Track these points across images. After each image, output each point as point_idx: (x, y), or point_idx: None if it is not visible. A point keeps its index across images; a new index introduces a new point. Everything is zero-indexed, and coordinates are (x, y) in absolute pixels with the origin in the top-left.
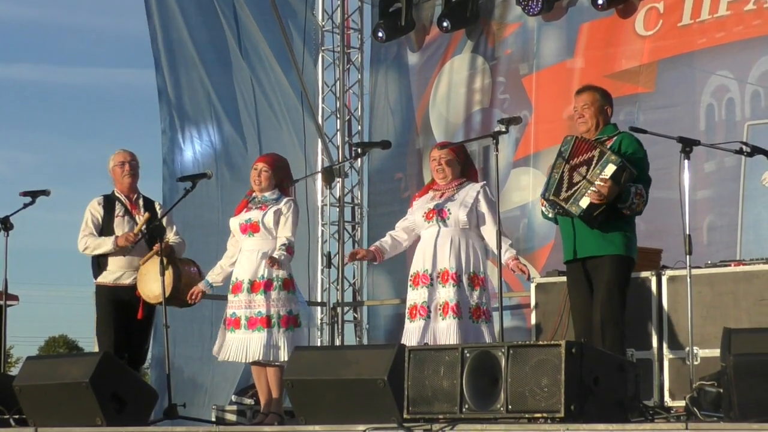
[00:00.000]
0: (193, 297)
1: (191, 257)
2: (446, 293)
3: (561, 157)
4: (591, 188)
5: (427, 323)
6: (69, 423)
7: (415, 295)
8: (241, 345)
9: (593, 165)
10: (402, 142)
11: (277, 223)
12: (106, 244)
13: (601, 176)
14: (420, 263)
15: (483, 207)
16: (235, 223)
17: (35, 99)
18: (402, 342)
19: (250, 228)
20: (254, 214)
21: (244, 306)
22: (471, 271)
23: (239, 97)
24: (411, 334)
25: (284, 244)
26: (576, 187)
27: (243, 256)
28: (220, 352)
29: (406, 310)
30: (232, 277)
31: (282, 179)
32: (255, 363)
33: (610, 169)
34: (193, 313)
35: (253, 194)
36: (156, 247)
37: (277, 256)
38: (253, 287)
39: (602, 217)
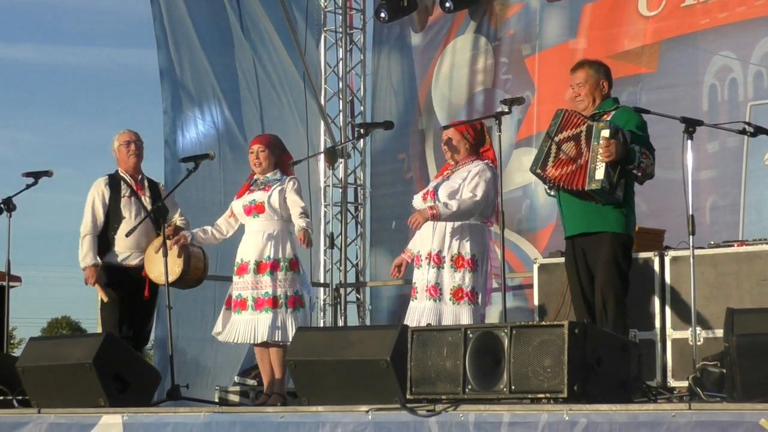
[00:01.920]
0: (177, 243)
1: None
2: (428, 274)
3: (549, 131)
4: (597, 160)
5: (416, 303)
6: (72, 404)
7: (414, 275)
8: (249, 326)
9: (583, 140)
10: (404, 122)
11: (283, 202)
12: (85, 260)
13: (600, 144)
14: (419, 244)
15: (465, 182)
16: (238, 205)
17: (37, 79)
18: (405, 321)
19: (255, 209)
20: (258, 195)
21: (251, 287)
22: (455, 251)
23: (241, 78)
24: (409, 313)
25: (302, 213)
26: (577, 163)
27: (248, 238)
28: (226, 334)
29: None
30: (236, 258)
31: (279, 156)
32: (260, 344)
33: (606, 133)
34: (196, 294)
35: (255, 177)
36: (170, 231)
37: (304, 225)
38: (259, 268)
39: (621, 180)
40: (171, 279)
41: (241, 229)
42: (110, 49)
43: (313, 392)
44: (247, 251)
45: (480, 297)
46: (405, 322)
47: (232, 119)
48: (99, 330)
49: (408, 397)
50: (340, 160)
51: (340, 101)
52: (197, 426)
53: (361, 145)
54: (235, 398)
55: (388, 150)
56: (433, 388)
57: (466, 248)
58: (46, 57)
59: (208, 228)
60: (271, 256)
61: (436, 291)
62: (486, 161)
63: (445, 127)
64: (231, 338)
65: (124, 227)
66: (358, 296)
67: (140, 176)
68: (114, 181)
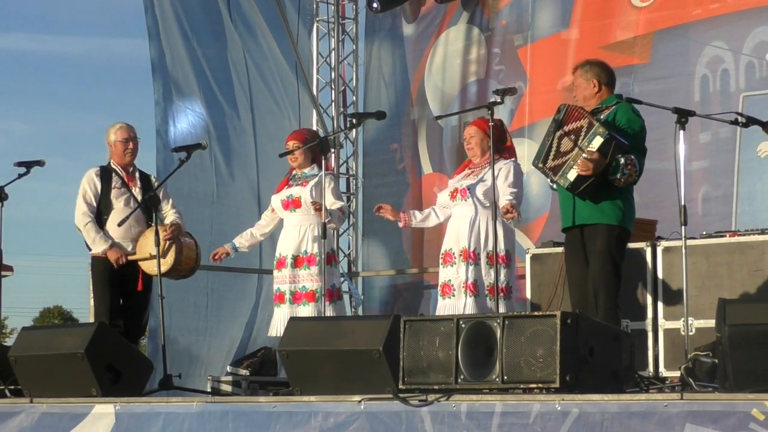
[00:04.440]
0: (216, 257)
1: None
2: (465, 271)
3: (553, 125)
4: (578, 161)
5: (454, 301)
6: (64, 393)
7: (444, 273)
8: (287, 319)
9: (582, 136)
10: (397, 113)
11: (319, 198)
12: (98, 245)
13: (587, 149)
14: (447, 242)
15: (500, 181)
16: (276, 200)
17: (30, 69)
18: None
19: (292, 204)
20: (296, 191)
21: (288, 281)
22: (490, 249)
23: (232, 69)
24: (441, 311)
25: (339, 208)
26: (564, 158)
27: (286, 232)
28: (271, 328)
29: (438, 287)
30: (276, 252)
31: (316, 153)
32: None
33: (597, 141)
34: (188, 285)
35: (293, 172)
36: (169, 224)
37: (334, 223)
38: (296, 262)
39: (590, 189)
40: (163, 269)
41: (280, 224)
42: (103, 38)
43: (305, 382)
44: (285, 246)
45: (513, 292)
46: None
47: (223, 110)
48: (91, 320)
49: (400, 387)
50: (333, 150)
51: (333, 91)
52: (189, 415)
53: (354, 136)
54: (227, 388)
55: (380, 140)
56: (425, 378)
57: (501, 245)
58: (38, 46)
59: (248, 231)
60: (308, 251)
61: (475, 288)
62: (513, 159)
63: (437, 118)
64: (272, 332)
65: (114, 218)
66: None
67: (132, 168)
68: (105, 173)
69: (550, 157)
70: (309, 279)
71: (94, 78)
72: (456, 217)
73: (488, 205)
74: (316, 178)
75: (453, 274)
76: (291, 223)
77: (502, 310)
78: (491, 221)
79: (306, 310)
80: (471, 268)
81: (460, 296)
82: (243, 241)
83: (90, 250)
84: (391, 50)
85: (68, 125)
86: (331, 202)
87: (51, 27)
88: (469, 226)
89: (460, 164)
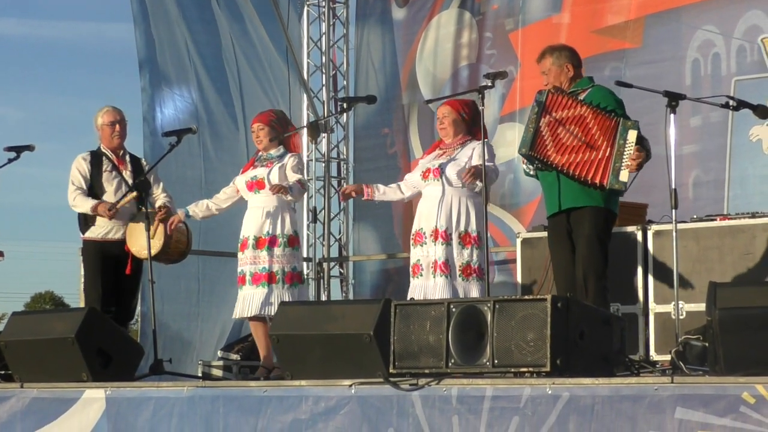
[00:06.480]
0: (172, 225)
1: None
2: (436, 251)
3: (536, 110)
4: (623, 161)
5: (423, 280)
6: (55, 378)
7: (415, 253)
8: (246, 300)
9: (592, 127)
10: (388, 97)
11: (283, 178)
12: (86, 205)
13: (627, 145)
14: (418, 221)
15: (474, 160)
16: (241, 180)
17: (21, 54)
18: (409, 297)
19: (256, 185)
20: (260, 171)
21: (250, 262)
22: (462, 229)
23: (222, 55)
24: (413, 291)
25: (298, 180)
26: (585, 156)
27: (249, 213)
28: (234, 310)
29: (410, 267)
30: (240, 234)
31: (283, 132)
32: (254, 318)
33: (633, 135)
34: (180, 270)
35: (259, 153)
36: (160, 206)
37: (285, 185)
38: (258, 243)
39: None
40: (152, 253)
41: (242, 205)
42: (96, 23)
43: (296, 366)
44: (248, 227)
45: (484, 273)
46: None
47: (211, 95)
48: (82, 305)
49: (391, 371)
50: (323, 134)
51: (323, 75)
52: (180, 400)
53: (345, 120)
54: (218, 373)
55: (371, 125)
56: (416, 362)
57: (472, 225)
58: (29, 31)
59: (204, 201)
60: (270, 232)
61: (447, 268)
62: (486, 140)
63: (428, 102)
64: (235, 314)
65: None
66: (341, 270)
67: (122, 152)
68: (95, 157)
69: (549, 146)
70: (269, 261)
71: (86, 63)
72: (427, 196)
73: (459, 185)
74: (280, 160)
75: (422, 253)
76: (254, 205)
77: (475, 291)
78: (463, 200)
79: (263, 292)
80: (442, 248)
81: (429, 276)
82: (197, 209)
83: (83, 233)
84: (382, 34)
85: (61, 111)
86: (290, 176)
87: (43, 12)
88: (440, 205)
89: None
